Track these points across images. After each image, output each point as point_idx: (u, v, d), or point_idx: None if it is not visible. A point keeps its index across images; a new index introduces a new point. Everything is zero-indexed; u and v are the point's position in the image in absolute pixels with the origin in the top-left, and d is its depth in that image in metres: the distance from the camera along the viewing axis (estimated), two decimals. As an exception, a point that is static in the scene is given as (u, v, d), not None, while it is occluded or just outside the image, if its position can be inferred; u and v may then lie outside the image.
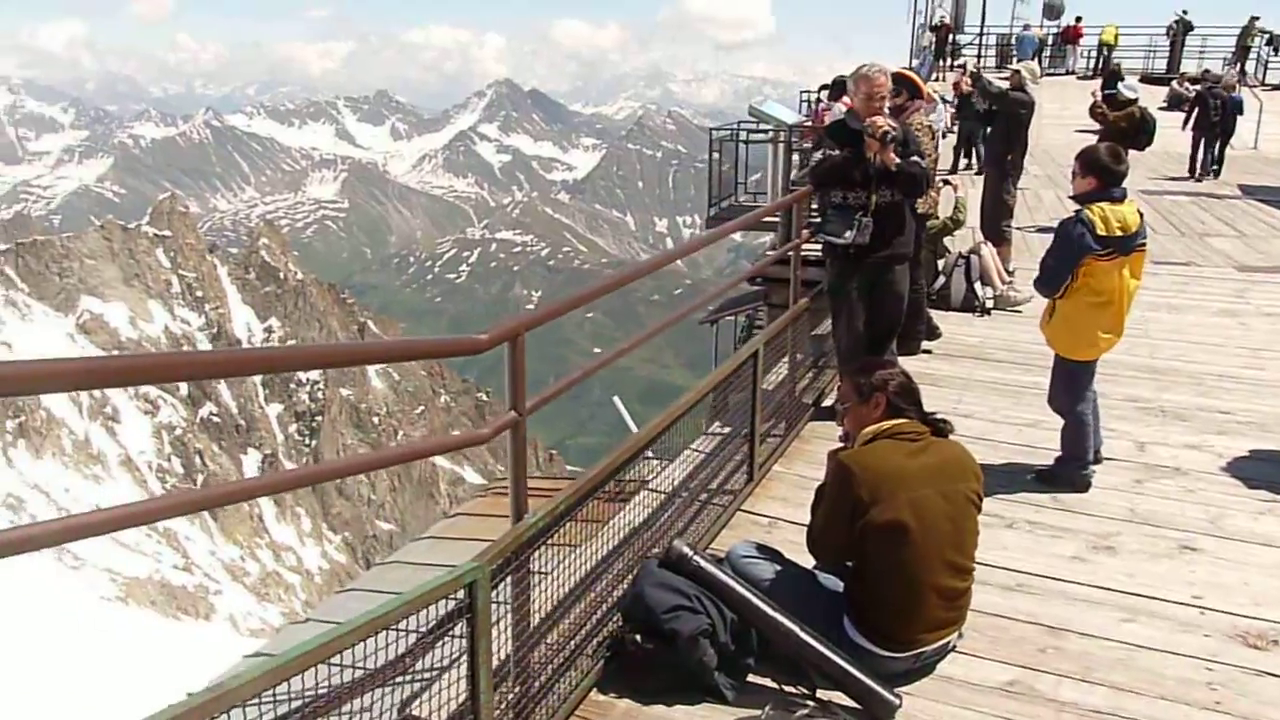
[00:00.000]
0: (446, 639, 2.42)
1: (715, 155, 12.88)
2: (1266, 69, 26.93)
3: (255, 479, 1.81)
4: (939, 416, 3.39)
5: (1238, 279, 9.47)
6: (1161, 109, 21.08)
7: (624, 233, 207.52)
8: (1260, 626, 3.66)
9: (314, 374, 66.38)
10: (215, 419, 60.69)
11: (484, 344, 2.37)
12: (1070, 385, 5.01)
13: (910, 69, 10.69)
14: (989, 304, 8.11)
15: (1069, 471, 4.93)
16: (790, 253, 5.65)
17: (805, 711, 3.02)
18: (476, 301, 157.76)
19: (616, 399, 13.30)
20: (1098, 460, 5.07)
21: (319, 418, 64.76)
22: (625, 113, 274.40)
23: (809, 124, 12.47)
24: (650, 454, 3.94)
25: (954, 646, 3.41)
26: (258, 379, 65.46)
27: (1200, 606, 3.81)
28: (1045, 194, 14.30)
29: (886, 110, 5.25)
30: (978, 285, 8.11)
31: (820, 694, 3.16)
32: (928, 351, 7.09)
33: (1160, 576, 4.03)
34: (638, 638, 3.16)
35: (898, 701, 3.08)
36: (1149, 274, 9.73)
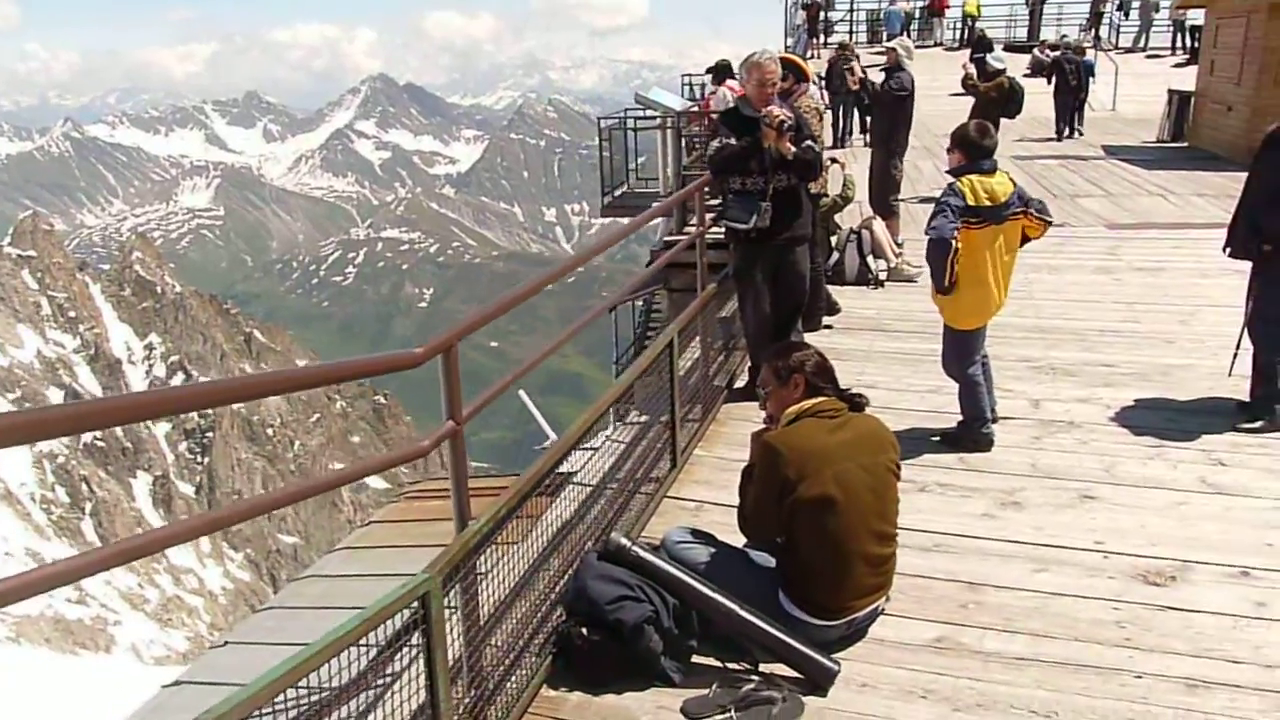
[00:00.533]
0: (402, 650, 2.44)
1: (605, 144, 12.92)
2: (1119, 33, 28.26)
3: (188, 520, 1.80)
4: (854, 392, 3.53)
5: (1109, 237, 9.99)
6: (1025, 76, 21.92)
7: (512, 224, 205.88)
8: (1159, 565, 3.93)
9: (201, 389, 64.29)
10: (100, 443, 58.23)
11: (419, 358, 2.38)
12: (959, 351, 5.26)
13: (788, 49, 10.85)
14: (882, 276, 8.39)
15: (971, 432, 5.17)
16: (695, 240, 5.73)
17: (751, 685, 3.13)
18: (366, 303, 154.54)
19: (522, 392, 13.26)
20: (994, 419, 5.33)
21: (210, 434, 62.74)
22: (505, 102, 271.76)
23: (695, 109, 12.62)
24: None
25: (882, 610, 3.57)
26: (141, 399, 63.06)
27: (1103, 551, 4.06)
28: (924, 165, 14.78)
29: (776, 95, 5.40)
30: (870, 259, 8.37)
31: (763, 667, 3.28)
32: (829, 327, 7.30)
33: (1065, 526, 4.28)
34: (584, 631, 3.22)
35: (837, 667, 3.22)
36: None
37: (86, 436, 58.21)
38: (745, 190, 5.31)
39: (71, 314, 62.87)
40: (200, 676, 6.75)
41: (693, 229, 6.11)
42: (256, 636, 7.00)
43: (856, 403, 3.48)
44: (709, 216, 6.06)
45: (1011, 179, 5.04)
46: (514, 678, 3.10)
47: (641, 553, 3.33)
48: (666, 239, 10.61)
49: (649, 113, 13.10)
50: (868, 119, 17.88)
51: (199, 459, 61.92)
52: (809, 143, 5.34)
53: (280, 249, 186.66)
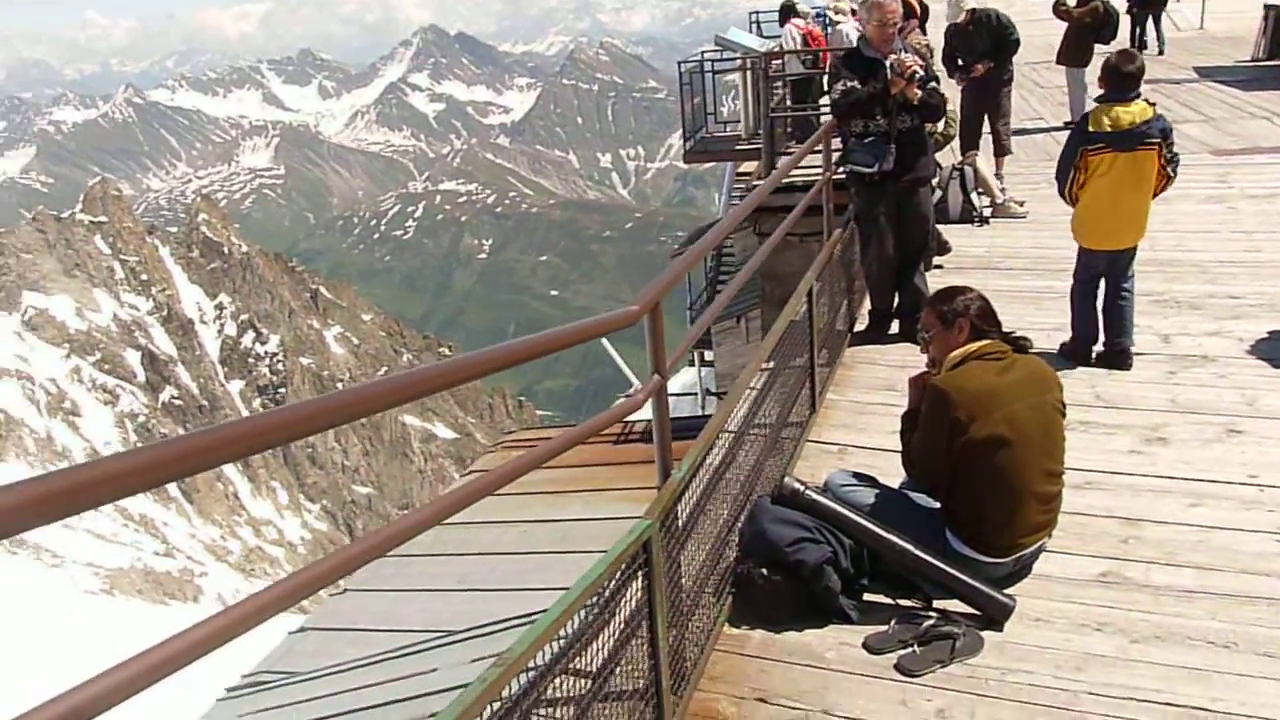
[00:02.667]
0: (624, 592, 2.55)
1: (685, 87, 12.83)
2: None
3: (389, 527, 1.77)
4: (1017, 334, 3.56)
5: (1216, 164, 9.70)
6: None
7: (568, 171, 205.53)
8: (1317, 497, 3.92)
9: (272, 345, 65.83)
10: (177, 402, 60.05)
11: (636, 316, 2.48)
12: (1077, 266, 5.41)
13: None
14: (987, 213, 8.28)
15: (1074, 347, 5.38)
16: (822, 185, 5.71)
17: (930, 621, 3.22)
18: (427, 256, 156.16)
19: (605, 340, 13.36)
20: (1120, 349, 5.33)
21: (282, 390, 64.30)
22: (556, 48, 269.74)
23: (776, 50, 12.44)
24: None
25: (1045, 547, 3.62)
26: (214, 356, 64.85)
27: (1258, 485, 4.06)
28: (1008, 95, 14.42)
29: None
30: (974, 195, 8.26)
31: (936, 604, 3.37)
32: (939, 267, 7.24)
33: (1215, 460, 4.28)
34: (764, 571, 3.33)
35: (1013, 603, 3.29)
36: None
37: (164, 395, 60.12)
38: (869, 133, 5.30)
39: (144, 277, 64.40)
40: (324, 623, 7.05)
41: (783, 170, 6.00)
42: (374, 584, 7.28)
43: (1020, 344, 3.51)
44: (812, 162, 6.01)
45: (1152, 110, 4.99)
46: (698, 616, 3.22)
47: (815, 496, 3.42)
48: (756, 183, 10.56)
49: (727, 55, 13.00)
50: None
51: (273, 414, 63.35)
52: (933, 85, 5.30)
53: (341, 205, 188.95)
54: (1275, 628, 3.18)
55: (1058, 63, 11.95)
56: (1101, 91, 5.12)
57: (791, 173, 9.23)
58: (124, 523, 47.17)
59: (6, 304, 57.92)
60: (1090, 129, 5.04)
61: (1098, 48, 11.59)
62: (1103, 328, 5.38)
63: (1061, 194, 5.31)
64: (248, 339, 66.12)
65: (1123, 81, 4.99)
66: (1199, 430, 4.57)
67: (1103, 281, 5.37)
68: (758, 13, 21.01)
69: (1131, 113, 4.97)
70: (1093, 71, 12.27)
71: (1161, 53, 17.52)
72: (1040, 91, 14.39)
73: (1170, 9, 20.88)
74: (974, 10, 9.26)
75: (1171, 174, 5.13)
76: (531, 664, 2.04)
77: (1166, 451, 4.40)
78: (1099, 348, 5.40)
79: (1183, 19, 20.40)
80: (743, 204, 3.80)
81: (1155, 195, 5.21)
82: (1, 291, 58.50)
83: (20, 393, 53.30)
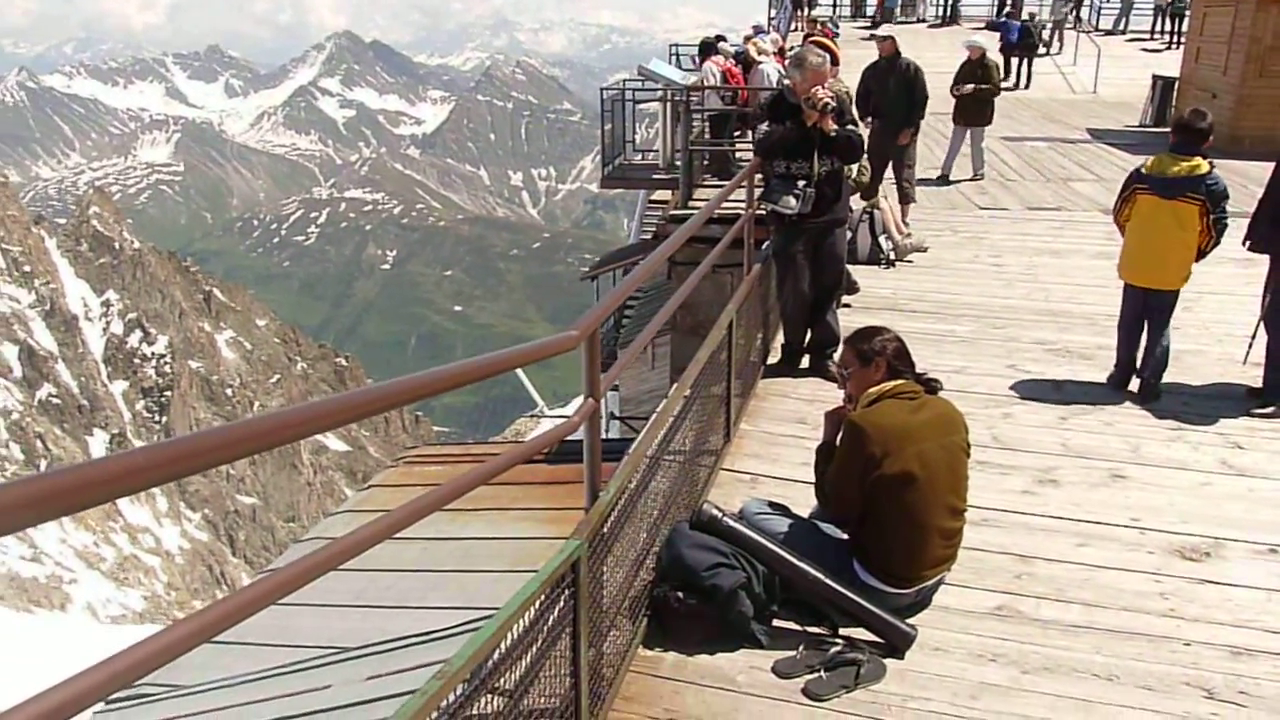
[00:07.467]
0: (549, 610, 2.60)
1: (607, 113, 12.98)
2: (1099, 15, 28.56)
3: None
4: (929, 376, 3.74)
5: (1105, 222, 10.20)
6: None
7: (478, 187, 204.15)
8: (1193, 541, 4.20)
9: (159, 346, 63.58)
10: (55, 400, 57.53)
11: (575, 340, 2.54)
12: (1121, 300, 5.90)
13: (771, 21, 10.71)
14: (892, 256, 8.58)
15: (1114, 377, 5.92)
16: (745, 221, 5.86)
17: (837, 648, 3.35)
18: (328, 263, 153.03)
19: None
20: (1140, 373, 5.83)
21: (168, 393, 62.14)
22: (473, 63, 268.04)
23: (697, 83, 12.69)
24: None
25: (945, 579, 3.80)
26: (98, 354, 62.30)
27: (1139, 527, 4.32)
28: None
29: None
30: (882, 239, 8.56)
31: (842, 631, 3.50)
32: (848, 305, 7.46)
33: (1101, 503, 4.54)
34: (679, 595, 3.42)
35: (914, 632, 3.44)
36: (1027, 219, 10.44)
37: (42, 392, 57.45)
38: (790, 174, 5.48)
39: (26, 268, 61.66)
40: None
41: (705, 203, 6.12)
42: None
43: (932, 386, 3.69)
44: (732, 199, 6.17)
45: (1205, 169, 5.39)
46: (614, 637, 3.28)
47: (732, 523, 3.53)
48: (673, 213, 10.75)
49: (648, 85, 13.19)
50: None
51: (157, 418, 61.31)
52: (851, 125, 5.51)
53: (241, 206, 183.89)
54: (1153, 663, 3.40)
55: (956, 123, 12.52)
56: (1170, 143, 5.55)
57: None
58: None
59: None
60: (1143, 170, 5.58)
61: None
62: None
63: (1115, 221, 5.94)
64: (134, 338, 63.75)
65: (1182, 136, 5.46)
66: (1087, 474, 4.83)
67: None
68: (677, 45, 21.43)
69: (1180, 166, 5.42)
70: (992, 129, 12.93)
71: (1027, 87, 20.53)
72: (945, 142, 14.95)
73: (1066, 71, 22.07)
74: (897, 53, 9.79)
75: (1214, 234, 5.47)
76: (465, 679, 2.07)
77: (1057, 493, 4.65)
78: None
79: (1078, 82, 21.50)
80: (675, 235, 3.90)
81: (1200, 254, 5.55)
82: None
83: None
